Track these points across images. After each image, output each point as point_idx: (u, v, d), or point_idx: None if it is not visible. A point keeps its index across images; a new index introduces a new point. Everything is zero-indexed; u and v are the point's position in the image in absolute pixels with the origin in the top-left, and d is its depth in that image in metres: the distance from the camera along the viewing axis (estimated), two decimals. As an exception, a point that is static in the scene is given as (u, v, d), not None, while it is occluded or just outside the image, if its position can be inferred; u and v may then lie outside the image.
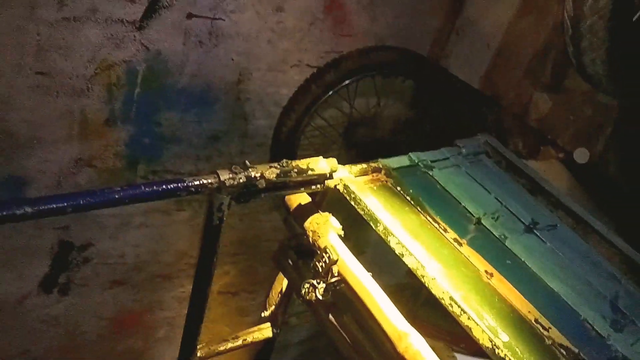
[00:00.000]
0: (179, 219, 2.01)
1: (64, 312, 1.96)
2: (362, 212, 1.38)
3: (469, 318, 1.18)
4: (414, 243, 1.31)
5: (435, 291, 1.24)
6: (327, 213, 1.48)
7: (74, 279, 1.91)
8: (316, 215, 1.47)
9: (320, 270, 1.41)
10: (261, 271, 2.32)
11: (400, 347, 1.26)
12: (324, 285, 1.41)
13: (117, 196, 1.14)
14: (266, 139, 2.04)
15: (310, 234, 1.47)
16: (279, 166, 1.33)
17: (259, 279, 2.33)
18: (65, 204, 1.07)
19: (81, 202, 1.10)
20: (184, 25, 1.77)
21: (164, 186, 1.19)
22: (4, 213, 1.04)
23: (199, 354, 1.59)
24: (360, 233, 1.66)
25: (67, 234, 1.81)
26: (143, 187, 1.18)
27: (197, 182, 1.22)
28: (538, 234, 1.46)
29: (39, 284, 1.87)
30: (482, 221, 1.43)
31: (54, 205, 1.07)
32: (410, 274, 1.89)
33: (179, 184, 1.21)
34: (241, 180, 1.27)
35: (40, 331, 1.97)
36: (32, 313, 1.92)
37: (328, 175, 1.41)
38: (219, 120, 1.95)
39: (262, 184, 1.31)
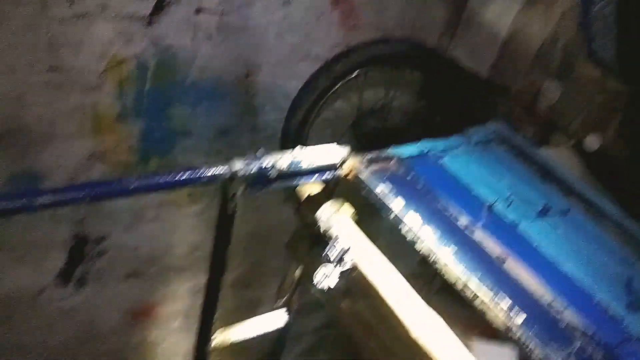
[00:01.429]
0: (192, 212, 2.03)
1: (80, 305, 1.99)
2: (373, 201, 1.39)
3: (482, 302, 1.19)
4: (425, 230, 1.32)
5: (448, 276, 1.25)
6: (339, 200, 1.49)
7: (89, 271, 1.94)
8: (329, 202, 1.48)
9: (333, 257, 1.42)
10: (273, 264, 2.34)
11: (415, 333, 1.28)
12: (337, 272, 1.43)
13: (132, 186, 1.16)
14: (276, 132, 2.06)
15: (323, 221, 1.48)
16: (291, 154, 1.35)
17: (271, 272, 2.35)
18: (83, 194, 1.09)
19: (98, 192, 1.12)
20: (192, 20, 1.78)
21: (178, 176, 1.21)
22: (24, 202, 1.06)
23: (214, 343, 1.61)
24: (371, 223, 1.67)
25: (82, 228, 1.84)
26: (158, 177, 1.20)
27: (210, 172, 1.24)
28: (551, 219, 1.46)
29: (55, 277, 1.90)
30: (494, 207, 1.43)
31: (72, 195, 1.09)
32: (422, 262, 1.90)
33: (193, 174, 1.23)
34: (254, 170, 1.29)
35: (57, 323, 2.01)
36: (49, 306, 1.95)
37: (339, 164, 1.42)
38: (229, 114, 1.96)
39: (274, 173, 1.32)
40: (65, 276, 1.93)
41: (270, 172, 1.30)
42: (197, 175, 1.23)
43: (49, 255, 1.87)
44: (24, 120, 1.62)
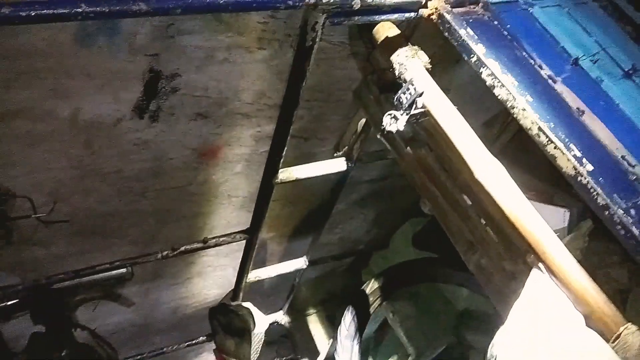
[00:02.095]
0: (260, 57, 2.04)
1: (154, 138, 2.11)
2: (455, 43, 1.36)
3: (555, 147, 1.20)
4: (506, 76, 1.29)
5: (523, 122, 1.25)
6: (416, 46, 1.47)
7: (163, 107, 2.03)
8: (405, 47, 1.47)
9: (405, 101, 1.44)
10: (333, 119, 2.38)
11: (479, 174, 1.32)
12: (406, 116, 1.45)
13: (222, 1, 1.17)
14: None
15: (397, 66, 1.47)
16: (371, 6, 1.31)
17: (330, 127, 2.40)
18: (177, 4, 1.12)
19: (191, 3, 1.14)
20: None
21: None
22: (121, 7, 1.10)
23: (279, 178, 1.72)
24: (444, 76, 1.65)
25: (157, 62, 1.89)
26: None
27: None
28: (636, 81, 1.40)
29: (132, 109, 2.01)
30: (580, 62, 1.38)
31: (166, 5, 1.12)
32: (487, 124, 1.89)
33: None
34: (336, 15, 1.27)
35: (132, 153, 2.16)
36: (126, 136, 2.08)
37: (423, 2, 1.37)
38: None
39: (357, 3, 1.30)
40: (140, 109, 2.03)
41: (354, 1, 1.28)
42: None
43: (126, 87, 1.95)
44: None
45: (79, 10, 1.09)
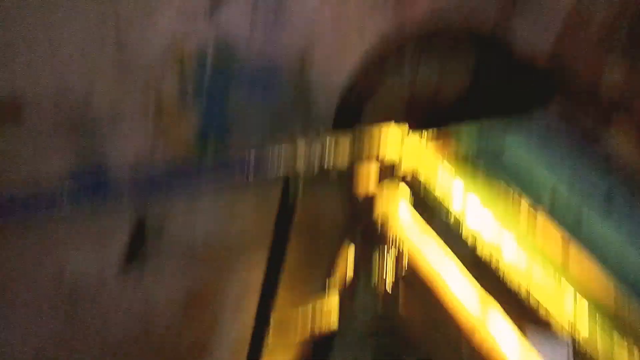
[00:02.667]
0: (247, 198, 2.05)
1: (141, 289, 2.07)
2: (431, 203, 1.38)
3: (547, 310, 1.17)
4: (487, 214, 1.29)
5: (511, 281, 1.23)
6: (397, 198, 1.49)
7: (149, 255, 2.00)
8: (385, 203, 1.48)
9: (391, 262, 1.43)
10: (323, 253, 2.35)
11: (476, 339, 1.28)
12: (392, 275, 1.44)
13: (204, 184, 1.19)
14: (328, 124, 2.05)
15: (379, 226, 1.48)
16: (350, 154, 1.35)
17: (321, 262, 2.37)
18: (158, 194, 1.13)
19: (172, 191, 1.15)
20: (251, 10, 1.78)
21: (245, 174, 1.24)
22: (103, 203, 1.11)
23: (271, 330, 1.65)
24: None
25: (143, 211, 1.89)
26: (228, 175, 1.23)
27: (274, 172, 1.26)
28: (615, 206, 1.41)
29: (117, 261, 1.98)
30: (558, 190, 1.40)
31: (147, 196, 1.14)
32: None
33: (258, 172, 1.25)
34: (315, 169, 1.30)
35: (115, 320, 2.10)
36: (109, 301, 2.04)
37: (398, 160, 1.41)
38: (283, 104, 1.96)
39: (334, 175, 1.33)
40: (126, 259, 2.01)
41: (330, 173, 1.31)
42: (262, 174, 1.25)
43: (111, 243, 1.93)
44: (90, 113, 1.68)
45: (60, 210, 1.10)
